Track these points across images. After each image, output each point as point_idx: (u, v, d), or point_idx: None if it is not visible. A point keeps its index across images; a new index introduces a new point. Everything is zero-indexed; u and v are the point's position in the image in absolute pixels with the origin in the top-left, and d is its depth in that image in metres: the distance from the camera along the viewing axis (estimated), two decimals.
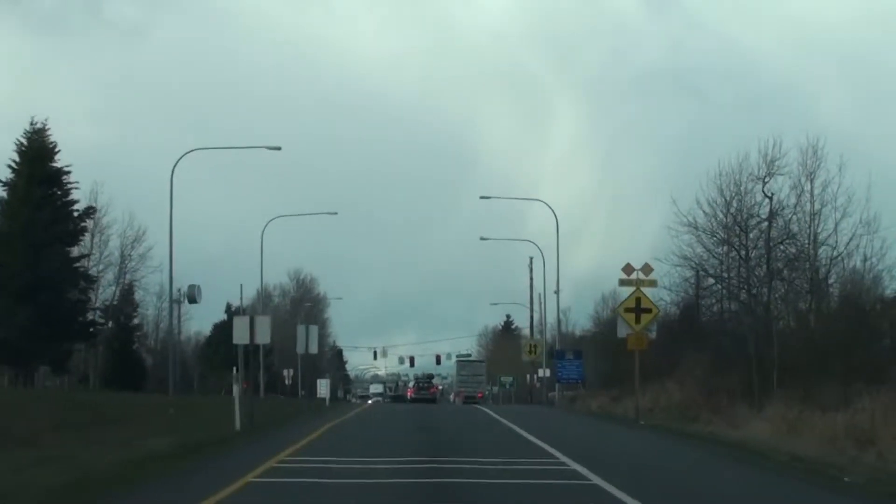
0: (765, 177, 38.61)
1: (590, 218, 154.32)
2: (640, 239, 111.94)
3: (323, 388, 63.58)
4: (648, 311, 36.27)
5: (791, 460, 20.35)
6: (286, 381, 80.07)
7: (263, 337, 30.81)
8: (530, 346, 74.15)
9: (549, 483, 15.85)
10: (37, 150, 57.64)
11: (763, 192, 38.79)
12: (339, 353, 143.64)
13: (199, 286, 65.30)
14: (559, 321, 75.10)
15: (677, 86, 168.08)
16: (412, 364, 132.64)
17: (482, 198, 70.40)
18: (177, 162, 50.67)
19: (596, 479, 15.99)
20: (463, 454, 20.12)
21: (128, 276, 69.46)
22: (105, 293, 68.56)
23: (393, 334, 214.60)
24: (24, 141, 57.97)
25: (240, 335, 30.44)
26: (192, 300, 65.69)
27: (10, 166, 58.07)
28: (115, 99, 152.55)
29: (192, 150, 53.30)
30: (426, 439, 24.85)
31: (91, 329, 63.42)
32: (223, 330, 78.22)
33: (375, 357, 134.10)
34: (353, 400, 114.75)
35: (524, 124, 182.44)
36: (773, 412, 29.40)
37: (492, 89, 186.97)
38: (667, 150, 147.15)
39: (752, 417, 30.46)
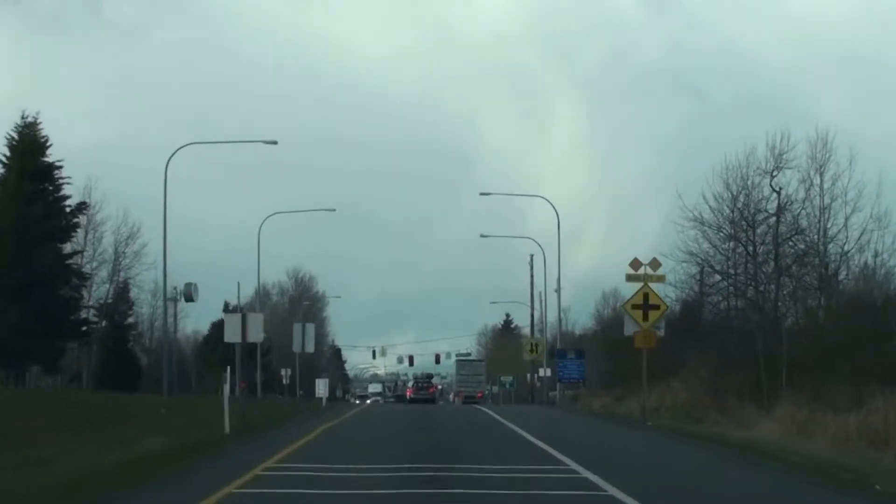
0: (772, 170, 38.14)
1: (590, 218, 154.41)
2: (639, 238, 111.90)
3: (321, 387, 62.66)
4: (656, 307, 35.16)
5: (812, 464, 19.35)
6: (284, 381, 79.50)
7: (256, 335, 30.12)
8: (531, 344, 73.47)
9: (560, 495, 14.56)
10: (28, 145, 56.78)
11: (771, 186, 38.29)
12: (338, 352, 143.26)
13: (195, 284, 64.84)
14: (560, 320, 74.47)
15: (677, 86, 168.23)
16: (411, 363, 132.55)
17: (482, 194, 69.30)
18: (171, 156, 49.96)
19: (612, 491, 14.62)
20: (464, 460, 18.88)
21: (122, 274, 68.65)
22: (99, 291, 67.79)
23: (392, 333, 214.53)
24: (14, 135, 57.07)
25: (231, 333, 29.69)
26: (189, 298, 65.29)
27: (0, 161, 57.16)
28: (114, 99, 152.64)
29: (187, 145, 52.59)
30: (424, 443, 23.83)
31: (84, 327, 62.55)
32: (221, 329, 77.29)
33: (374, 356, 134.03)
34: (353, 400, 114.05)
35: (524, 124, 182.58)
36: (782, 412, 28.86)
37: (492, 89, 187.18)
38: (667, 150, 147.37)
39: (760, 418, 29.98)
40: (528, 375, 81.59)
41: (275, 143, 53.23)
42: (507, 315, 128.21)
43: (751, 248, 38.59)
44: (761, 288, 37.90)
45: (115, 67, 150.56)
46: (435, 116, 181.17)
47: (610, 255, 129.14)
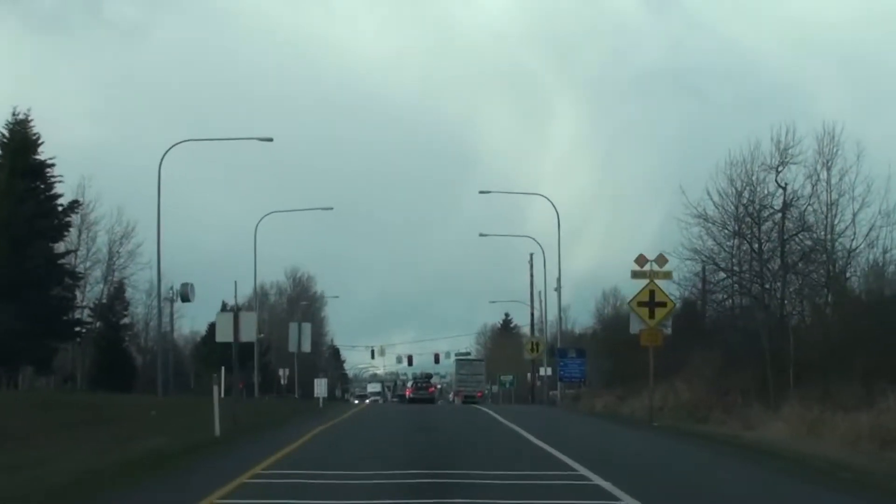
0: (778, 166, 37.48)
1: (590, 217, 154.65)
2: (639, 238, 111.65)
3: (320, 387, 61.99)
4: (663, 304, 34.39)
5: (832, 468, 18.57)
6: (282, 381, 78.95)
7: (248, 334, 29.49)
8: (532, 343, 72.87)
9: None
10: (19, 142, 56.05)
11: (776, 181, 37.59)
12: (337, 352, 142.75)
13: (192, 284, 64.32)
14: (560, 319, 73.99)
15: (677, 86, 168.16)
16: (410, 363, 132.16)
17: (481, 192, 69.54)
18: (165, 153, 49.22)
19: (629, 501, 13.58)
20: (464, 466, 17.92)
21: (117, 274, 67.79)
22: (93, 291, 66.95)
23: (391, 333, 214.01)
24: (5, 132, 56.27)
25: (223, 332, 29.05)
26: (185, 298, 64.80)
27: None
28: (114, 98, 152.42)
29: (182, 141, 51.86)
30: (422, 446, 22.95)
31: (77, 328, 61.72)
32: None
33: (373, 356, 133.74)
34: (352, 400, 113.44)
35: (524, 124, 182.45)
36: (790, 412, 28.34)
37: (492, 89, 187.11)
38: (667, 150, 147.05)
39: (767, 418, 29.46)
40: (529, 375, 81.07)
41: (270, 139, 52.56)
42: (507, 314, 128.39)
43: (756, 245, 37.94)
44: (767, 285, 37.20)
45: (115, 67, 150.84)
46: (435, 116, 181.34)
47: (610, 255, 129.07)
